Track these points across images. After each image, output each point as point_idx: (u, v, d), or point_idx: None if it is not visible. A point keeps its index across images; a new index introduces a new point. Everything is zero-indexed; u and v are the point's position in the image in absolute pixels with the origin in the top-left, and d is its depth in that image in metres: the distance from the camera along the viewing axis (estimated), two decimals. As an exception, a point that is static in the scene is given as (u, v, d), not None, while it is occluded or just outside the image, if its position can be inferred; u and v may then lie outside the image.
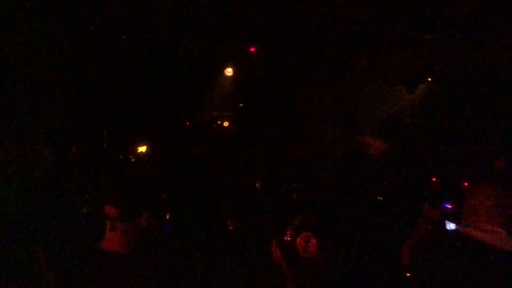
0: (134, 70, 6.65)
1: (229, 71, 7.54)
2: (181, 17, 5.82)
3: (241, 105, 7.52)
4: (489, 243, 2.18)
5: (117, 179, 2.56)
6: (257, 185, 5.89)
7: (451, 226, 2.54)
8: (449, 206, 2.83)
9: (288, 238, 2.12)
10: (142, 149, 6.37)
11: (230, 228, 4.57)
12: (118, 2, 5.26)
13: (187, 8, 5.59)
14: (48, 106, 5.53)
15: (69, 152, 5.13)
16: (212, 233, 4.46)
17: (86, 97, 6.10)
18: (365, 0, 5.05)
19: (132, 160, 6.33)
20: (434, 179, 4.47)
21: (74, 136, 5.53)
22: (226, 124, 7.36)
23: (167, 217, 5.34)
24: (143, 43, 6.39)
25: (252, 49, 7.09)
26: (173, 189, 5.41)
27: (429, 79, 6.62)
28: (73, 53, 5.79)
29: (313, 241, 2.06)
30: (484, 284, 2.13)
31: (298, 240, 2.11)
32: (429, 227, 2.38)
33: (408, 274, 2.46)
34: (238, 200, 5.29)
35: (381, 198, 4.80)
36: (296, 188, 4.34)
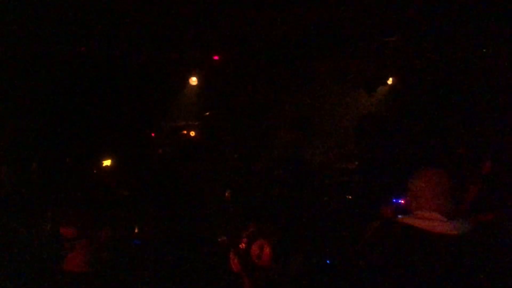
0: (96, 82, 6.56)
1: (193, 80, 7.52)
2: (144, 28, 5.78)
3: (207, 113, 7.49)
4: (426, 229, 2.21)
5: (71, 200, 2.51)
6: (226, 194, 5.87)
7: None
8: (402, 202, 2.86)
9: (243, 246, 2.11)
10: (107, 162, 6.28)
11: (219, 240, 4.51)
12: (81, 14, 5.19)
13: (149, 19, 5.55)
14: (4, 122, 5.40)
15: (29, 169, 5.02)
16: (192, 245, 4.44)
17: (47, 111, 5.98)
18: (324, 6, 5.11)
19: (97, 174, 6.23)
20: None
21: (35, 152, 5.40)
22: (192, 133, 7.32)
23: (136, 230, 5.27)
24: (105, 55, 6.32)
25: (216, 58, 7.09)
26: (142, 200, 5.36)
27: (388, 82, 6.73)
28: (33, 66, 5.69)
29: (267, 248, 2.06)
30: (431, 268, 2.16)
31: (252, 247, 2.10)
32: (379, 223, 2.41)
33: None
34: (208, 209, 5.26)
35: (350, 197, 4.85)
36: (257, 196, 4.35)
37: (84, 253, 2.25)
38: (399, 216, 2.37)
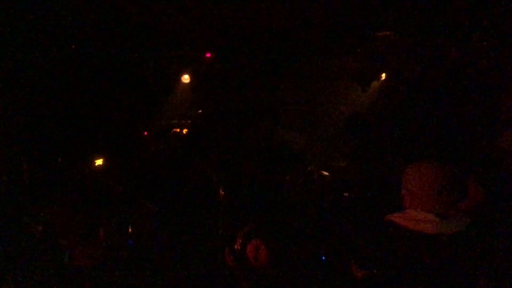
0: (88, 81, 6.49)
1: (186, 78, 7.47)
2: (135, 26, 5.73)
3: (200, 111, 7.45)
4: (420, 231, 2.15)
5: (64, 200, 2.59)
6: (221, 191, 5.83)
7: None
8: None
9: (238, 247, 2.07)
10: (99, 161, 6.22)
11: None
12: (71, 13, 5.12)
13: (139, 17, 5.50)
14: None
15: (20, 168, 4.96)
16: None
17: (37, 110, 5.90)
18: (317, 2, 5.07)
19: (90, 173, 6.18)
20: None
21: (25, 151, 5.34)
22: (185, 131, 7.28)
23: (129, 230, 5.25)
24: (96, 54, 6.25)
25: (208, 55, 7.05)
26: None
27: (382, 77, 6.73)
28: (23, 65, 5.61)
29: (263, 249, 2.02)
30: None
31: (248, 248, 2.06)
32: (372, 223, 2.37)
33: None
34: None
35: (346, 194, 4.82)
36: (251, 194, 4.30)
37: (90, 248, 2.32)
38: (393, 214, 2.29)
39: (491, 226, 3.20)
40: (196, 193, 5.38)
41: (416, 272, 2.12)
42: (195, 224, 4.81)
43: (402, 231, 2.17)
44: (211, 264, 3.40)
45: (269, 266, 2.02)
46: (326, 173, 4.89)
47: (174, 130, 6.87)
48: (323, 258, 3.19)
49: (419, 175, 2.24)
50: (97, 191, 5.42)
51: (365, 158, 4.86)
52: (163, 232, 4.82)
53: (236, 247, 2.06)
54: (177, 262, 4.02)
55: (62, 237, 2.32)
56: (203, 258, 3.93)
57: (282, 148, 4.88)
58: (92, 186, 5.68)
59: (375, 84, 6.76)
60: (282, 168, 4.52)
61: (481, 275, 2.14)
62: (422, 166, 2.27)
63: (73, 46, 5.80)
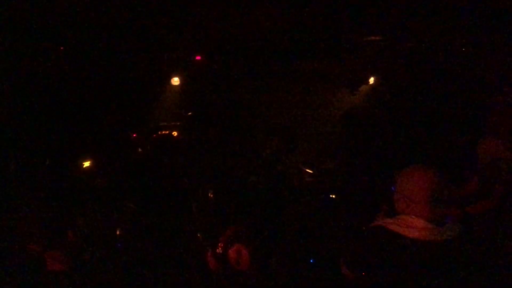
0: (76, 83, 6.47)
1: (175, 81, 7.46)
2: (125, 28, 5.72)
3: (189, 114, 7.44)
4: (413, 237, 2.14)
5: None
6: (209, 194, 5.82)
7: None
8: None
9: (220, 250, 2.07)
10: (87, 164, 6.20)
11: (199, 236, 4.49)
12: (61, 12, 5.10)
13: (129, 19, 5.49)
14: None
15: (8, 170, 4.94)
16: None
17: (25, 112, 5.87)
18: (306, 6, 5.09)
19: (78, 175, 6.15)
20: None
21: (13, 153, 5.31)
22: (174, 134, 7.26)
23: (118, 232, 5.21)
24: (85, 55, 6.23)
25: (198, 58, 7.06)
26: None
27: (370, 81, 6.78)
28: (12, 61, 5.58)
29: (245, 253, 2.02)
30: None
31: (230, 252, 2.06)
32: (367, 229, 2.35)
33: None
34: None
35: (333, 196, 4.83)
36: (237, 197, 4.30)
37: (62, 252, 2.28)
38: (385, 220, 2.27)
39: (484, 233, 3.21)
40: (182, 195, 5.38)
41: (409, 278, 2.11)
42: (178, 227, 4.81)
43: (395, 237, 2.15)
44: (193, 267, 3.39)
45: (251, 270, 2.02)
46: (310, 171, 4.90)
47: (163, 132, 6.86)
48: (312, 261, 3.19)
49: (414, 181, 2.21)
50: (78, 192, 5.41)
51: (353, 161, 4.88)
52: (146, 234, 4.81)
53: (218, 250, 2.05)
54: (159, 265, 4.01)
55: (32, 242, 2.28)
56: (185, 261, 3.93)
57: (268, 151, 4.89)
58: (77, 186, 5.66)
59: (364, 87, 6.81)
60: (267, 171, 4.54)
61: (474, 282, 2.14)
62: (418, 170, 2.24)
63: (61, 48, 5.78)
